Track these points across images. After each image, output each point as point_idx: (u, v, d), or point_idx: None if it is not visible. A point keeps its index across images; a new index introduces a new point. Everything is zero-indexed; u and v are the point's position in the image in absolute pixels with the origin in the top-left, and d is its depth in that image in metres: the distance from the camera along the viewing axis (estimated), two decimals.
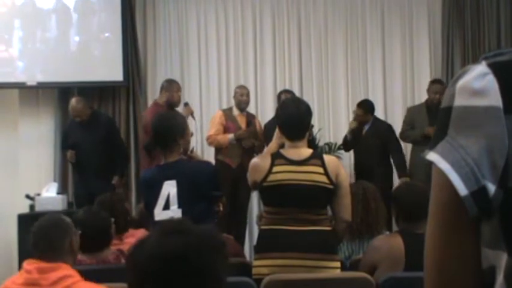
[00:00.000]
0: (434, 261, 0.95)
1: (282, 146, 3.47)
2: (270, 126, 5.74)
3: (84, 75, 6.77)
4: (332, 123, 7.32)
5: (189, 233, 1.51)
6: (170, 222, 1.71)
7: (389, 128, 6.65)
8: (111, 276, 2.88)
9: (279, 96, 6.59)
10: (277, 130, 3.52)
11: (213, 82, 7.32)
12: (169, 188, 3.45)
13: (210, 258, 1.49)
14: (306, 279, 3.06)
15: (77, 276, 1.84)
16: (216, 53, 7.34)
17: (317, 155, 3.38)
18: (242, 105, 6.48)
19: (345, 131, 6.74)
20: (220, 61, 7.35)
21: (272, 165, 3.30)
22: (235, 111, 6.50)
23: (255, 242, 6.47)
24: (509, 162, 0.86)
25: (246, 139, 6.28)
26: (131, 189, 6.86)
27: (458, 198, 0.88)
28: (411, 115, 6.56)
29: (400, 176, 6.42)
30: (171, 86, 6.19)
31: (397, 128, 6.69)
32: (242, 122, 6.44)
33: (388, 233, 3.89)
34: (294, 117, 3.38)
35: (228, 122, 6.39)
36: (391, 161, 6.54)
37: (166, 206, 3.44)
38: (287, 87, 7.12)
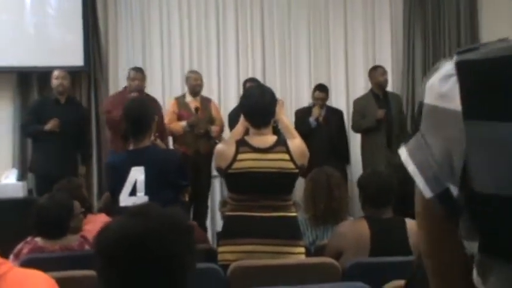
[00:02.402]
0: (427, 253, 1.00)
1: (246, 131, 3.46)
2: (233, 115, 5.69)
3: (44, 60, 6.61)
4: (295, 109, 7.31)
5: (152, 216, 1.48)
6: (136, 206, 1.67)
7: (341, 113, 6.92)
8: (75, 263, 2.84)
9: (244, 84, 6.56)
10: (242, 116, 3.51)
11: (176, 69, 7.24)
12: (137, 175, 3.41)
13: (172, 243, 1.45)
14: (272, 265, 3.06)
15: (8, 263, 1.82)
16: (178, 39, 7.25)
17: (281, 142, 3.38)
18: (196, 89, 6.40)
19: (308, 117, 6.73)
20: (183, 47, 7.27)
21: (237, 152, 3.30)
22: (188, 97, 6.41)
23: (217, 228, 6.51)
24: (467, 165, 0.87)
25: (198, 125, 6.21)
26: (93, 177, 6.77)
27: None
28: (360, 106, 6.62)
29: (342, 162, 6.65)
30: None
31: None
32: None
33: (352, 218, 3.91)
34: (259, 105, 3.37)
35: (181, 109, 6.30)
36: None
37: (133, 192, 3.40)
38: (250, 74, 7.10)
